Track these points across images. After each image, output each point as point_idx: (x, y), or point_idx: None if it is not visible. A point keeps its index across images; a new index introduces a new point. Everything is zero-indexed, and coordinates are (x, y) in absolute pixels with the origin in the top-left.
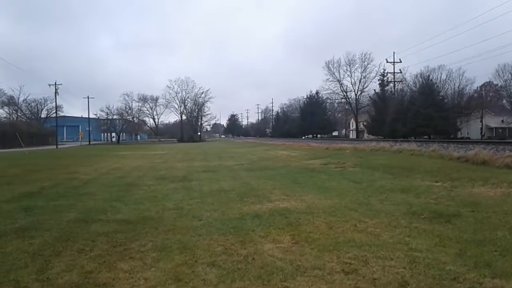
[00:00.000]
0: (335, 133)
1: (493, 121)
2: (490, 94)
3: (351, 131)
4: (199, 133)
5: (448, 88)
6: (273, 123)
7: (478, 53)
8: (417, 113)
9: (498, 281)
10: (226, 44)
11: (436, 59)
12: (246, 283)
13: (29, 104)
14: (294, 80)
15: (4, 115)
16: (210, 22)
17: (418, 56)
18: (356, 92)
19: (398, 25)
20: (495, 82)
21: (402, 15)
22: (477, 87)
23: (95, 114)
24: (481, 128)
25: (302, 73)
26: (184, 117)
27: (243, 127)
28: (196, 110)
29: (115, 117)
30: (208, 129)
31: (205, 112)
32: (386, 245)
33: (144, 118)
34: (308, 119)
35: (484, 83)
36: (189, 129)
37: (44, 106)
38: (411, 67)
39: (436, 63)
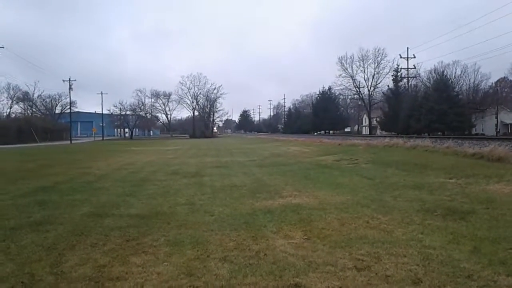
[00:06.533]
0: (348, 129)
1: (508, 117)
2: (506, 89)
3: (363, 127)
4: (211, 129)
5: (463, 84)
6: (285, 119)
7: (494, 49)
8: (431, 109)
9: None
10: (247, 37)
11: (451, 54)
12: (258, 279)
13: (43, 99)
14: (315, 76)
15: (19, 111)
16: (234, 14)
17: (433, 52)
18: (369, 88)
19: (420, 17)
20: (510, 78)
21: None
22: (492, 83)
23: (109, 110)
24: (496, 125)
25: (323, 69)
26: (196, 113)
27: (255, 123)
28: (208, 106)
29: (128, 112)
30: (220, 125)
31: (217, 108)
32: (399, 242)
33: (157, 114)
34: (321, 115)
35: (500, 79)
36: (201, 125)
37: (59, 102)
38: (426, 63)
39: (451, 58)
